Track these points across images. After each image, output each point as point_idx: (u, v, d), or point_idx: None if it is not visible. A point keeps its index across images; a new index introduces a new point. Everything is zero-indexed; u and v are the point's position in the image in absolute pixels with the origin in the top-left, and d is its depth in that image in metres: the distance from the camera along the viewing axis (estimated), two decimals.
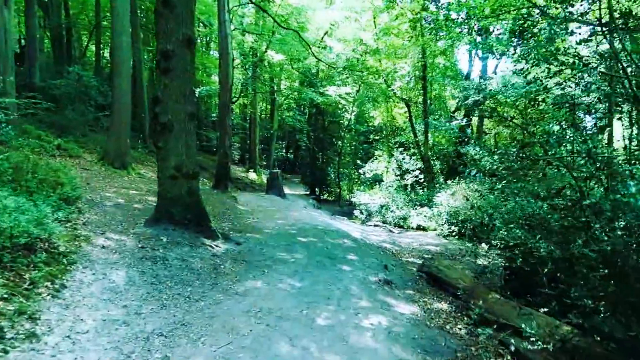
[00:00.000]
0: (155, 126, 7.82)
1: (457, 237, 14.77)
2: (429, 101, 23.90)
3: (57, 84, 16.54)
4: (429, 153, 19.87)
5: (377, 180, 24.52)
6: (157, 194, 7.86)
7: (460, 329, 5.28)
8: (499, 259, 7.67)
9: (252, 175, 25.99)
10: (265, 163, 31.56)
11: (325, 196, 24.75)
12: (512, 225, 7.69)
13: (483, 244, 13.51)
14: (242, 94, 22.08)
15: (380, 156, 24.97)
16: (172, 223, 7.61)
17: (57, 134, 15.79)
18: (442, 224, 15.51)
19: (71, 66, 17.73)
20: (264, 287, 6.07)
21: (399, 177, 17.50)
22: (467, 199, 15.29)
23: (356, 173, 24.63)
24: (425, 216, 16.38)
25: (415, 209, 17.01)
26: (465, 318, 5.55)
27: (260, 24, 20.82)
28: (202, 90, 18.97)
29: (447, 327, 5.31)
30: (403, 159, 17.55)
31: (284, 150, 39.18)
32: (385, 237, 12.85)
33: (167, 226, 7.55)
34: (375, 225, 16.67)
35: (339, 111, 22.37)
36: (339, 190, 22.68)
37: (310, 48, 13.85)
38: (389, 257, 9.37)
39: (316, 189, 24.92)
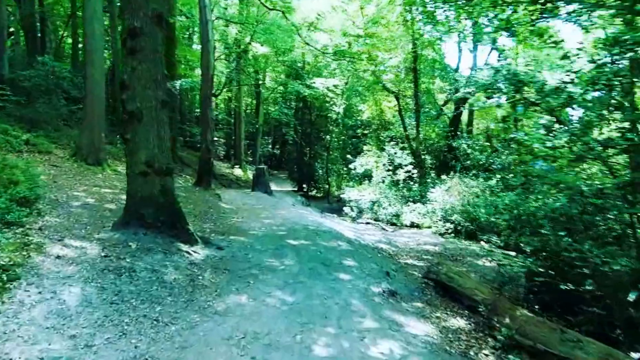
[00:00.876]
0: (122, 115, 6.73)
1: (453, 234, 13.94)
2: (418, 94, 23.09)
3: (26, 76, 15.20)
4: (420, 147, 19.00)
5: (366, 175, 23.62)
6: (127, 193, 6.77)
7: (487, 355, 4.33)
8: (514, 264, 6.73)
9: (237, 171, 24.85)
10: (251, 159, 30.41)
11: (314, 192, 23.72)
12: (527, 227, 6.82)
13: (482, 243, 12.69)
14: (225, 87, 20.87)
15: (369, 151, 24.04)
16: (143, 226, 6.53)
17: (27, 129, 14.48)
18: (437, 221, 14.66)
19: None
20: (249, 303, 5.05)
21: (390, 173, 16.54)
22: (464, 195, 14.44)
23: (344, 169, 23.64)
24: (419, 213, 15.51)
25: (408, 205, 16.12)
26: (490, 340, 4.61)
27: (245, 14, 19.64)
28: (183, 83, 17.74)
29: (471, 352, 4.36)
30: (395, 153, 16.60)
31: (270, 146, 37.99)
32: (380, 237, 11.91)
33: (138, 230, 6.47)
34: (367, 223, 15.74)
35: (327, 104, 21.33)
36: (327, 186, 21.67)
37: (298, 32, 12.74)
38: (388, 261, 8.42)
39: (304, 185, 23.87)
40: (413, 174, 16.41)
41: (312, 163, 22.80)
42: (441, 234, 13.76)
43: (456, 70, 22.87)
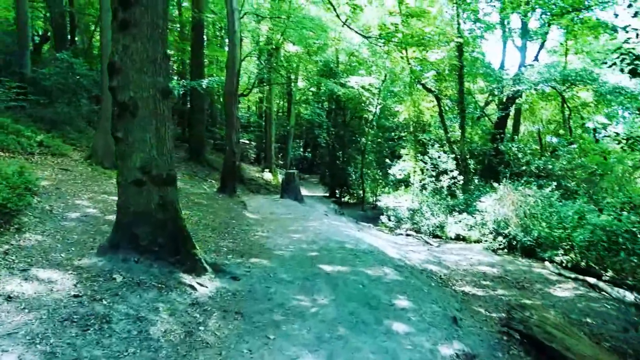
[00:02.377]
0: (113, 108, 5.17)
1: (506, 250, 11.95)
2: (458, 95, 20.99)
3: (46, 74, 14.09)
4: (465, 151, 16.96)
5: (402, 181, 21.65)
6: (117, 206, 5.20)
7: None
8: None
9: (267, 175, 23.35)
10: (282, 162, 28.91)
11: (347, 198, 21.93)
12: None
13: (547, 263, 10.64)
14: (255, 85, 19.34)
15: (406, 154, 22.08)
16: (136, 250, 4.94)
17: (45, 130, 13.37)
18: (487, 234, 12.68)
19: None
20: None
21: (433, 179, 14.60)
22: (520, 205, 12.38)
23: (379, 173, 21.77)
24: (465, 224, 13.53)
25: (453, 215, 14.16)
26: None
27: (277, 9, 18.08)
28: (210, 82, 16.31)
29: None
30: (439, 157, 14.64)
31: (302, 149, 36.46)
32: (426, 254, 10.05)
33: (129, 255, 4.89)
34: (407, 235, 13.88)
35: (362, 105, 19.52)
36: (362, 192, 19.81)
37: (336, 11, 10.98)
38: (446, 294, 6.57)
39: (336, 191, 22.12)
40: (458, 180, 14.40)
41: (345, 167, 21.02)
42: (494, 250, 11.78)
43: (501, 68, 20.63)
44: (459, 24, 15.45)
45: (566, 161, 13.71)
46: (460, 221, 13.73)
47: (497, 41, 32.10)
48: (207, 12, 18.87)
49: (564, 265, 10.32)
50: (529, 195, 12.63)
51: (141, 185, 4.98)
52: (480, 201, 13.36)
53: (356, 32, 8.61)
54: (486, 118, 20.94)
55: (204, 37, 19.97)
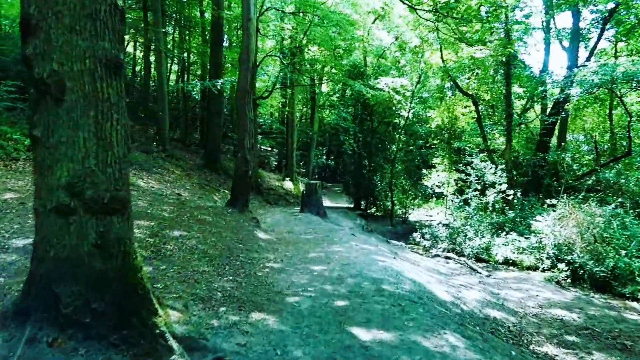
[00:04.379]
0: (29, 89, 3.18)
1: (570, 281, 9.63)
2: (496, 101, 18.60)
3: None
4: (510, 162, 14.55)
5: (432, 193, 19.32)
6: (33, 247, 3.19)
7: None
8: None
9: (287, 184, 21.35)
10: (304, 170, 26.90)
11: (373, 210, 19.69)
12: None
13: (635, 304, 8.26)
14: (275, 87, 17.33)
15: (440, 164, 19.77)
16: (54, 322, 2.93)
17: None
18: (545, 260, 10.40)
19: None
20: None
21: (477, 193, 12.28)
22: (587, 227, 10.00)
23: (408, 184, 19.49)
24: (516, 247, 11.23)
25: (500, 235, 11.86)
26: None
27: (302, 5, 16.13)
28: (226, 82, 14.42)
29: None
30: (485, 168, 12.33)
31: (325, 157, 34.37)
32: (481, 290, 7.80)
33: (41, 330, 2.88)
34: (446, 258, 11.63)
35: (392, 109, 17.34)
36: (391, 205, 17.56)
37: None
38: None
39: (361, 202, 19.91)
40: (508, 195, 12.04)
41: (372, 177, 18.81)
42: (558, 282, 9.44)
43: (543, 71, 18.13)
44: (507, 17, 13.16)
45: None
46: (509, 243, 11.43)
47: (534, 44, 29.51)
48: (225, 9, 17.11)
49: None
50: (597, 215, 10.24)
51: (68, 214, 2.98)
52: (535, 220, 11.02)
53: (403, 2, 6.48)
54: (523, 126, 18.51)
55: (224, 36, 18.15)
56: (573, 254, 9.84)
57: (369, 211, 19.31)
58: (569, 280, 9.63)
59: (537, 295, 7.89)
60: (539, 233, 10.77)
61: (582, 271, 9.59)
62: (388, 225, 16.69)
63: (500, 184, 11.84)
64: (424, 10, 6.72)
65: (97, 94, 3.03)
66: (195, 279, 5.23)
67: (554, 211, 10.93)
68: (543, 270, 10.14)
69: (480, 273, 9.80)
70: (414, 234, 13.33)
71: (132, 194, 9.54)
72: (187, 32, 23.84)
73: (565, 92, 14.36)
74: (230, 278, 5.57)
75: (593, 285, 9.44)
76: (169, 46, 24.16)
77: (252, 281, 5.61)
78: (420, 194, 20.09)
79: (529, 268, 10.78)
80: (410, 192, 18.58)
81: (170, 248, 6.25)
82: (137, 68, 28.24)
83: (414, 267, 8.30)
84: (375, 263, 7.05)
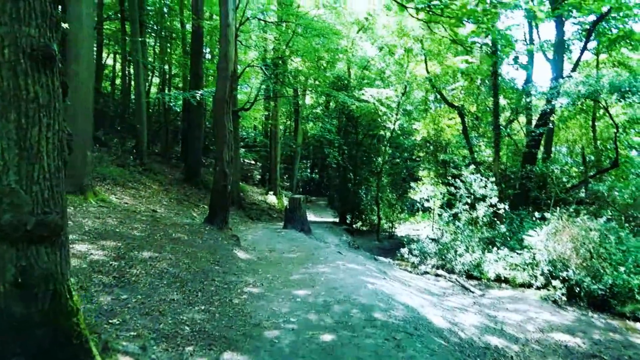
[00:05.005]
0: None
1: (565, 299, 9.14)
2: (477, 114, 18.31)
3: None
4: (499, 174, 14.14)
5: (421, 207, 18.81)
6: None
7: None
8: None
9: (271, 198, 20.65)
10: (287, 184, 26.25)
11: (359, 224, 19.10)
12: None
13: (637, 324, 7.79)
14: (257, 98, 16.71)
15: (426, 177, 19.33)
16: None
17: None
18: (538, 277, 9.92)
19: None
20: None
21: (467, 206, 11.77)
22: (583, 242, 9.55)
23: (394, 197, 18.96)
24: (509, 263, 10.74)
25: (491, 251, 11.35)
26: None
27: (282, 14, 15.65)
28: (206, 93, 13.77)
29: None
30: (475, 181, 11.86)
31: (309, 170, 33.78)
32: (476, 313, 7.22)
33: None
34: (436, 276, 11.07)
35: (378, 121, 16.88)
36: (377, 219, 16.99)
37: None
38: None
39: (347, 216, 19.31)
40: (499, 208, 11.56)
41: (357, 190, 18.25)
42: (554, 301, 8.93)
43: (527, 82, 17.91)
44: (493, 26, 12.84)
45: (635, 187, 10.89)
46: (501, 259, 10.92)
47: (516, 56, 29.53)
48: (206, 20, 16.57)
49: None
50: (592, 229, 9.81)
51: None
52: (528, 235, 10.54)
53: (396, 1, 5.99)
54: (508, 138, 18.23)
55: (204, 46, 17.56)
56: (568, 271, 9.37)
57: (354, 226, 18.71)
58: (564, 298, 9.14)
59: (536, 317, 7.35)
60: (532, 248, 10.29)
61: (578, 289, 9.12)
62: (374, 241, 16.10)
63: (491, 197, 11.36)
64: (416, 8, 6.23)
65: (20, 93, 2.40)
66: (161, 310, 4.54)
67: (546, 225, 10.49)
68: (538, 288, 9.63)
69: (473, 292, 9.25)
70: (402, 250, 12.74)
71: (102, 211, 8.80)
72: (168, 44, 23.22)
73: (552, 103, 14.10)
74: (202, 307, 4.89)
75: (590, 304, 8.96)
76: (149, 58, 23.49)
77: (227, 311, 4.93)
78: (406, 208, 19.58)
79: (522, 285, 10.26)
80: (396, 205, 18.05)
81: (137, 272, 5.55)
82: (118, 81, 27.44)
83: (405, 289, 7.70)
84: (364, 285, 6.42)
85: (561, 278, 9.42)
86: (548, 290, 9.40)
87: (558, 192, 12.89)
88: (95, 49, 21.19)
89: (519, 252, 10.82)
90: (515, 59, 15.30)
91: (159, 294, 5.02)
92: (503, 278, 10.68)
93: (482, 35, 9.99)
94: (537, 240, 10.21)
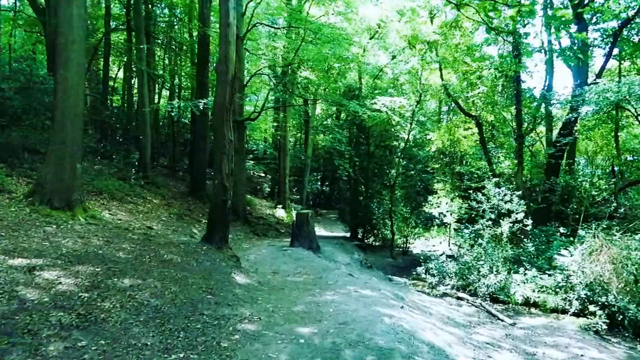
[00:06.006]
0: None
1: (606, 328, 7.97)
2: (491, 124, 17.21)
3: (5, 90, 10.92)
4: (521, 187, 12.97)
5: (440, 222, 17.65)
6: None
7: None
8: None
9: (280, 212, 19.66)
10: (297, 197, 25.27)
11: (371, 239, 17.98)
12: None
13: None
14: (264, 107, 15.77)
15: (441, 189, 18.20)
16: None
17: None
18: (574, 301, 8.75)
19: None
20: None
21: (490, 222, 10.63)
22: (625, 264, 8.39)
23: (407, 210, 17.82)
24: (539, 285, 9.58)
25: (517, 271, 10.19)
26: None
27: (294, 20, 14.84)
28: (210, 102, 12.93)
29: None
30: (499, 194, 10.74)
31: (319, 182, 32.78)
32: (512, 352, 6.08)
33: None
34: (458, 299, 9.93)
35: (391, 131, 15.88)
36: (391, 234, 15.87)
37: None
38: None
39: (358, 231, 18.22)
40: (525, 225, 10.41)
41: (369, 204, 17.18)
42: (597, 332, 7.77)
43: (547, 90, 16.78)
44: (515, 30, 11.85)
45: None
46: (529, 280, 9.76)
47: (535, 64, 28.41)
48: (213, 29, 15.84)
49: None
50: (635, 249, 8.63)
51: None
52: (559, 254, 9.39)
53: None
54: (527, 149, 17.07)
55: (210, 55, 16.82)
56: (609, 296, 8.23)
57: (366, 241, 17.60)
58: (604, 326, 7.97)
59: (581, 355, 6.19)
60: (565, 270, 9.13)
61: (621, 316, 7.96)
62: (388, 257, 14.98)
63: (518, 212, 10.23)
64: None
65: None
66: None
67: (579, 243, 9.34)
68: (577, 315, 8.45)
69: (502, 320, 8.10)
70: (418, 269, 11.62)
71: (89, 229, 7.88)
72: (177, 55, 22.66)
73: (577, 112, 12.99)
74: (181, 356, 3.89)
75: (637, 334, 7.81)
76: (160, 71, 22.92)
77: (211, 359, 3.92)
78: (420, 222, 18.44)
79: (554, 310, 9.10)
80: (410, 219, 16.92)
81: (109, 307, 4.59)
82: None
83: (427, 319, 6.60)
84: (380, 320, 5.37)
85: (601, 304, 8.28)
86: (587, 318, 8.25)
87: (588, 206, 11.71)
88: (102, 61, 20.70)
89: (549, 272, 9.68)
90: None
91: (130, 336, 4.05)
92: (532, 302, 9.53)
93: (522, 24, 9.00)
94: (571, 261, 9.06)
